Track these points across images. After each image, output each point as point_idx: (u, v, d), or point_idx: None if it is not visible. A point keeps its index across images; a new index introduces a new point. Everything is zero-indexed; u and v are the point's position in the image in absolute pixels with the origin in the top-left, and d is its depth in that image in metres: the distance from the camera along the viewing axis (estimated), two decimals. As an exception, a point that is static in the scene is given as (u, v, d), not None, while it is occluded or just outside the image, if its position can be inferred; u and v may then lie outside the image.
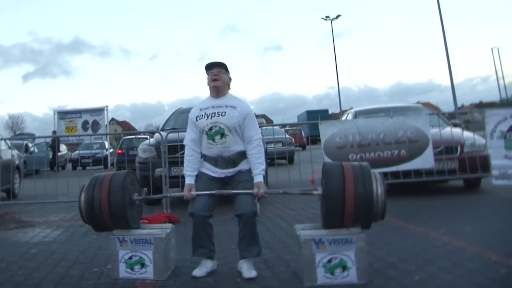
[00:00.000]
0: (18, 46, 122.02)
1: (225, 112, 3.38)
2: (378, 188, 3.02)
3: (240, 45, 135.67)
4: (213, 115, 3.39)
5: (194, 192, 3.35)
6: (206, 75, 3.52)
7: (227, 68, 3.54)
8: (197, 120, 3.44)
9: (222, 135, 3.37)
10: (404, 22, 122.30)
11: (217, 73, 3.46)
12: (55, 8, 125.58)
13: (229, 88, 3.59)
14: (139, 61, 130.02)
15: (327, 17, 41.38)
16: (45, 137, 17.23)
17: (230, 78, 3.59)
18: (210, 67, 3.49)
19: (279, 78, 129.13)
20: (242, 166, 3.43)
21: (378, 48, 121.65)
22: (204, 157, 3.47)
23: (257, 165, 3.35)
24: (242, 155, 3.42)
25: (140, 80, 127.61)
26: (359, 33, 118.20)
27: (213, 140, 3.39)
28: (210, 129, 3.38)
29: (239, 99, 3.55)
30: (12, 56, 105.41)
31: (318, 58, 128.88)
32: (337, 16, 41.31)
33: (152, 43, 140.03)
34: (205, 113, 3.43)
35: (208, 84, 3.52)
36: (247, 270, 3.23)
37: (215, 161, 3.42)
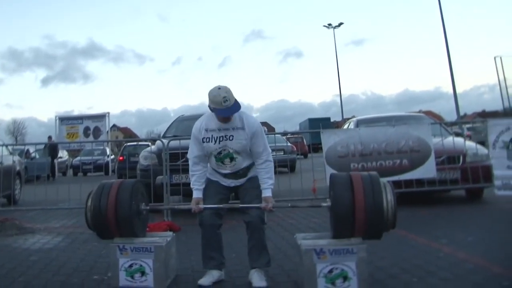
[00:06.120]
0: (31, 50, 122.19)
1: (232, 136, 3.29)
2: (388, 197, 3.01)
3: (263, 51, 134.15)
4: (220, 139, 3.30)
5: (202, 205, 3.34)
6: (208, 100, 3.24)
7: (237, 103, 3.24)
8: (203, 141, 3.35)
9: (232, 158, 3.35)
10: (412, 31, 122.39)
11: (228, 118, 3.26)
12: (71, 12, 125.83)
13: None
14: (152, 67, 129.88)
15: (329, 25, 41.25)
16: (44, 143, 17.14)
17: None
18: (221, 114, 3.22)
19: (290, 85, 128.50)
20: (251, 174, 3.44)
21: (387, 56, 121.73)
22: (213, 170, 3.48)
23: (265, 179, 3.33)
24: (251, 166, 3.43)
25: (150, 86, 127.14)
26: (371, 41, 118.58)
27: (222, 162, 3.38)
28: (219, 153, 3.34)
29: (245, 115, 3.38)
30: (25, 60, 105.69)
31: (331, 66, 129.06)
32: (339, 24, 41.17)
33: (175, 48, 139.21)
34: (211, 136, 3.32)
35: (215, 115, 3.29)
36: (258, 280, 3.22)
37: (225, 175, 3.44)
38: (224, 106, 3.16)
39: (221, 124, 3.31)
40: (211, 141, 3.32)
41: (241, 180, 3.45)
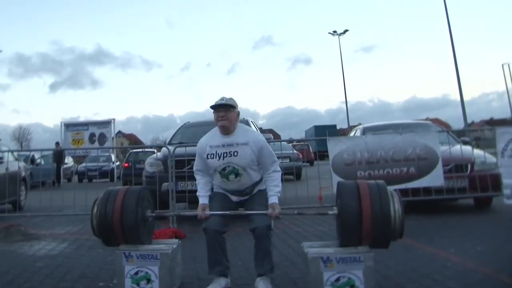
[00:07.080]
0: (39, 56, 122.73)
1: (237, 152, 3.31)
2: (396, 206, 2.99)
3: (272, 58, 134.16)
4: (225, 155, 3.33)
5: (208, 212, 3.34)
6: (213, 112, 3.40)
7: (234, 105, 3.38)
8: (207, 158, 3.39)
9: (237, 174, 3.36)
10: (420, 38, 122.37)
11: (224, 114, 3.31)
12: (79, 18, 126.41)
13: (237, 121, 3.44)
14: (160, 73, 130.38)
15: (335, 32, 41.23)
16: (51, 149, 17.08)
17: (238, 113, 3.44)
18: (215, 108, 3.35)
19: (298, 92, 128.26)
20: (257, 188, 3.47)
21: (395, 63, 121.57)
22: (219, 187, 3.51)
23: (272, 187, 3.35)
24: (257, 184, 3.46)
25: (157, 92, 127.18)
26: (380, 48, 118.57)
27: (227, 179, 3.39)
28: (223, 169, 3.36)
29: (249, 131, 3.45)
30: (33, 66, 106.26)
31: (339, 72, 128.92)
32: (345, 31, 41.14)
33: (184, 55, 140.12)
34: (216, 152, 3.35)
35: (216, 123, 3.39)
36: (264, 287, 3.20)
37: (230, 192, 3.47)
38: (217, 102, 3.33)
39: (225, 139, 3.35)
40: (215, 157, 3.35)
41: (247, 197, 3.48)
